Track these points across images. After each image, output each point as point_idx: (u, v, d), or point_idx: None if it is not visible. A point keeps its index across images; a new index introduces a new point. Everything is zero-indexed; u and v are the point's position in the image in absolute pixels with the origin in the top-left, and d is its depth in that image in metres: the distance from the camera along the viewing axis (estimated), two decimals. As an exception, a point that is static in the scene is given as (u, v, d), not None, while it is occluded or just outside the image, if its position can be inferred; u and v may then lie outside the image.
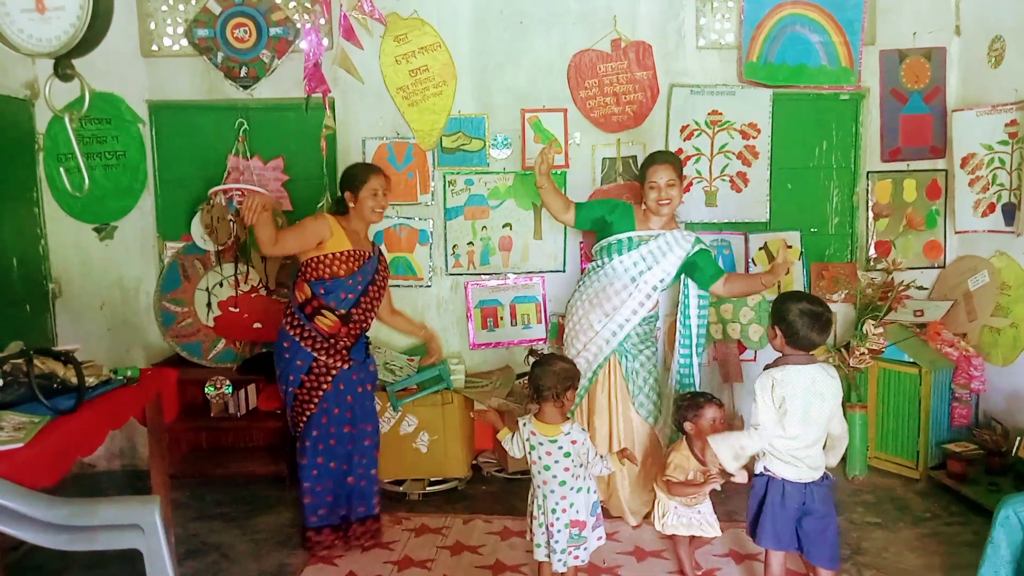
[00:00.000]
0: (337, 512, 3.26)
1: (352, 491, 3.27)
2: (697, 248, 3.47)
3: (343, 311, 3.18)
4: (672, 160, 3.49)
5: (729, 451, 2.61)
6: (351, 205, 3.26)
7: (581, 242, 4.26)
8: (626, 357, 3.49)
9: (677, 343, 3.61)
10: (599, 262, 3.55)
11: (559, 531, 2.61)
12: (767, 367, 2.61)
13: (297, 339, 3.17)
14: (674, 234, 3.47)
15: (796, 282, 4.27)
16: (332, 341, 3.18)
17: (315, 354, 3.16)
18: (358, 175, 3.27)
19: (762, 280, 3.29)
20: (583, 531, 2.63)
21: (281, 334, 3.23)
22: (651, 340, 3.59)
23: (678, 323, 3.62)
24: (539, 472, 2.64)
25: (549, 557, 2.66)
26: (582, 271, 4.26)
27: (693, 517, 2.91)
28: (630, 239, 3.47)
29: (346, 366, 3.21)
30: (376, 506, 3.35)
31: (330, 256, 3.16)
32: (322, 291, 3.16)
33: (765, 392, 2.54)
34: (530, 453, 2.66)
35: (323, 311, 3.15)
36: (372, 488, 3.34)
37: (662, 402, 3.55)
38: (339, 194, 3.35)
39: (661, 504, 2.97)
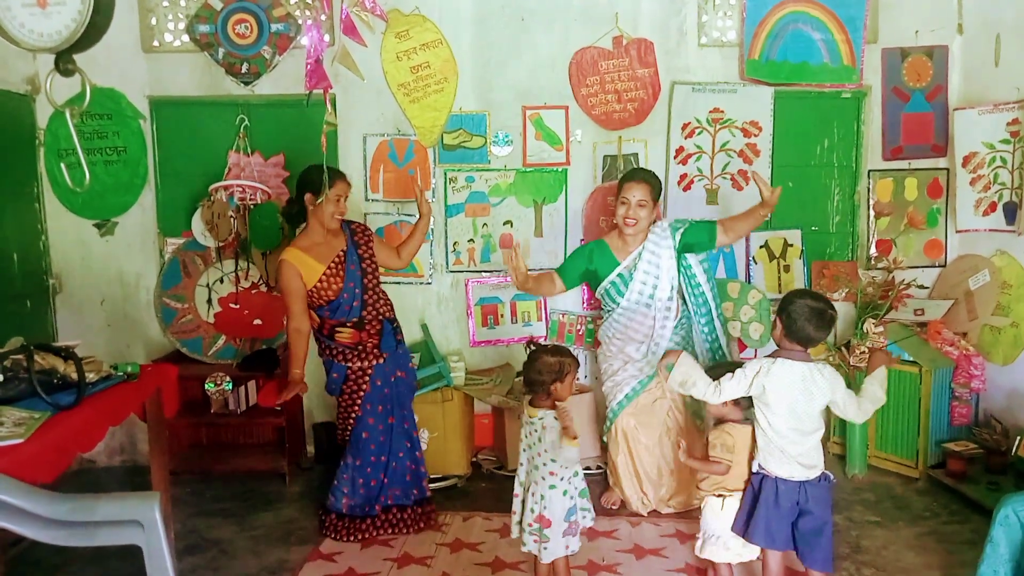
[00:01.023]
0: (379, 502, 3.30)
1: (399, 477, 3.33)
2: (679, 234, 3.47)
3: (355, 319, 3.24)
4: (649, 180, 3.46)
5: (682, 375, 2.71)
6: (310, 208, 3.25)
7: (582, 239, 4.26)
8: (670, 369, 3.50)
9: (694, 316, 3.58)
10: (608, 306, 3.58)
11: (527, 510, 2.65)
12: (767, 356, 2.63)
13: (330, 357, 3.28)
14: (651, 240, 3.47)
15: (797, 280, 4.27)
16: (359, 347, 3.24)
17: (348, 364, 3.25)
18: (321, 179, 3.19)
19: (759, 211, 3.37)
20: (546, 529, 2.60)
21: (319, 351, 3.35)
22: (690, 343, 3.59)
23: (688, 296, 3.57)
24: (523, 451, 2.71)
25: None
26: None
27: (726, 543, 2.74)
28: (621, 275, 3.49)
29: (380, 361, 3.27)
30: (417, 492, 3.40)
31: (315, 289, 3.20)
32: (327, 314, 3.22)
33: (748, 372, 2.58)
34: (522, 430, 2.72)
35: (338, 328, 3.22)
36: (421, 470, 3.41)
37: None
38: (296, 195, 3.33)
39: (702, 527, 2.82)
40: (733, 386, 2.61)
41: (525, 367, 2.71)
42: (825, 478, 2.59)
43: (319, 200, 3.20)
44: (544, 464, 2.61)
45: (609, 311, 3.57)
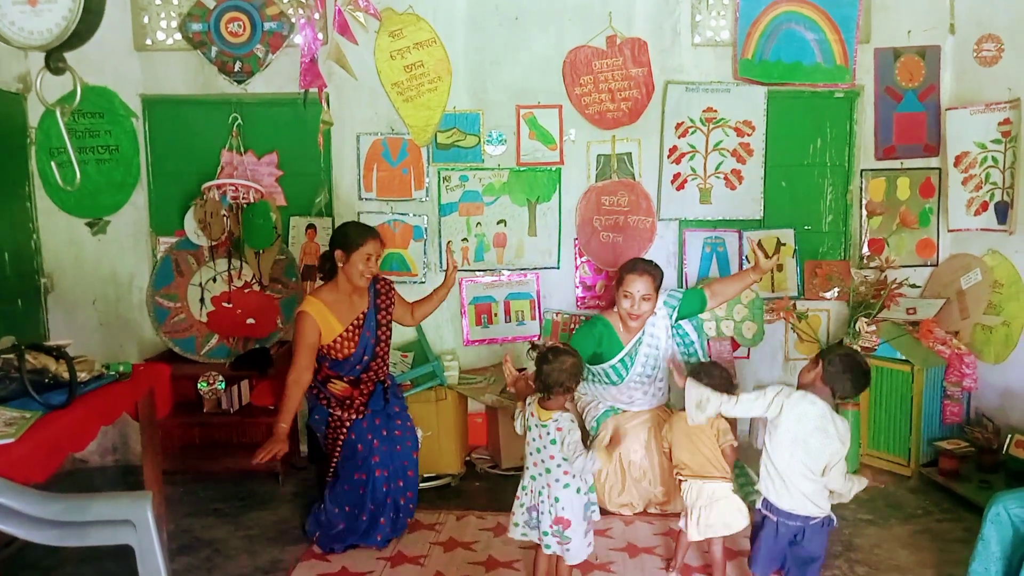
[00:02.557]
0: (349, 538, 3.21)
1: (386, 524, 3.23)
2: (675, 313, 3.55)
3: (352, 378, 3.22)
4: (652, 271, 3.45)
5: (696, 396, 2.69)
6: (340, 264, 3.17)
7: (575, 238, 4.27)
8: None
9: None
10: (609, 379, 3.59)
11: (543, 514, 2.62)
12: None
13: (316, 397, 3.23)
14: (651, 323, 3.52)
15: (789, 279, 4.29)
16: (347, 401, 3.21)
17: (330, 410, 3.20)
18: (354, 237, 3.14)
19: (750, 276, 3.42)
20: (567, 530, 2.60)
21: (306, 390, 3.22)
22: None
23: (680, 354, 3.68)
24: (531, 454, 2.68)
25: (525, 536, 2.67)
26: (576, 268, 4.27)
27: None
28: (622, 360, 3.52)
29: (360, 416, 3.21)
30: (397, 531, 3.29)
31: (326, 347, 3.17)
32: (327, 364, 3.20)
33: (769, 393, 2.57)
34: (528, 432, 2.69)
35: (333, 379, 3.20)
36: (399, 516, 3.27)
37: None
38: (329, 250, 3.24)
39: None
40: (751, 400, 2.60)
41: (551, 370, 2.59)
42: (828, 522, 2.56)
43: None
44: (558, 465, 2.61)
45: (609, 383, 3.58)
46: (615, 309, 3.53)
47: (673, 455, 2.93)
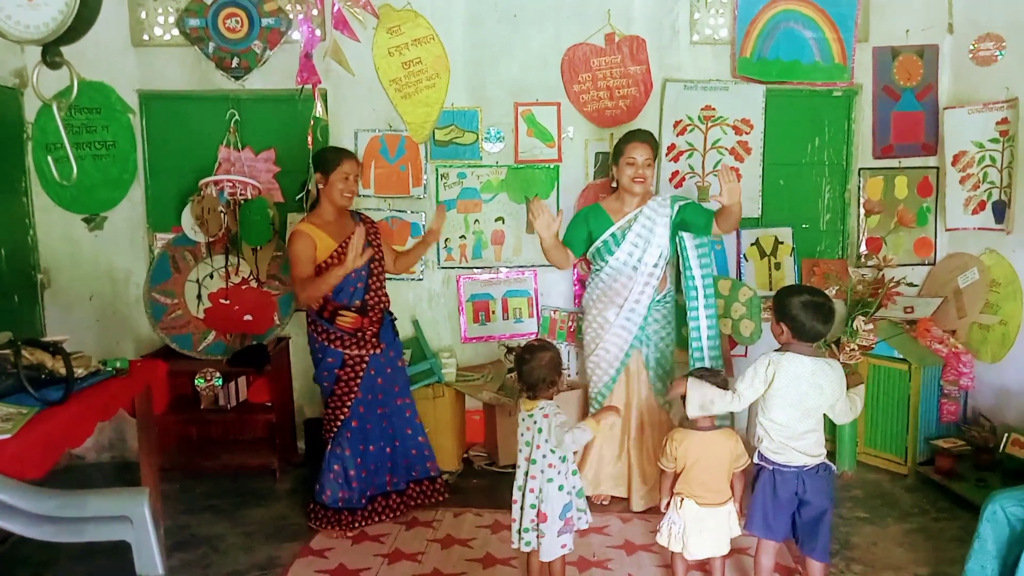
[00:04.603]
0: (373, 486, 3.36)
1: (401, 460, 3.43)
2: (677, 207, 3.47)
3: (358, 303, 3.24)
4: (650, 140, 3.48)
5: (699, 398, 2.67)
6: (320, 187, 3.28)
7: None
8: (647, 345, 3.53)
9: (687, 305, 3.58)
10: (597, 265, 3.59)
11: (525, 508, 2.63)
12: (774, 351, 2.61)
13: (326, 343, 3.24)
14: (650, 206, 3.48)
15: (787, 278, 4.29)
16: (360, 334, 3.24)
17: (344, 351, 3.24)
18: (331, 158, 3.28)
19: (734, 203, 3.24)
20: (542, 524, 2.60)
21: (311, 339, 3.32)
22: (670, 323, 3.61)
23: (683, 283, 3.58)
24: (520, 449, 2.69)
25: (529, 545, 2.66)
26: (574, 266, 4.28)
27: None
28: (613, 236, 3.50)
29: (378, 351, 3.29)
30: (433, 469, 3.51)
31: (324, 265, 3.20)
32: (330, 293, 3.20)
33: (760, 368, 2.57)
34: (519, 428, 2.71)
35: (340, 311, 3.21)
36: (424, 453, 3.49)
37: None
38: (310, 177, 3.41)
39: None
40: (747, 386, 2.59)
41: (531, 368, 2.62)
42: (825, 468, 2.59)
43: (303, 199, 3.22)
44: (544, 456, 2.62)
45: (597, 270, 3.59)
46: (611, 196, 3.58)
47: (685, 477, 2.73)
